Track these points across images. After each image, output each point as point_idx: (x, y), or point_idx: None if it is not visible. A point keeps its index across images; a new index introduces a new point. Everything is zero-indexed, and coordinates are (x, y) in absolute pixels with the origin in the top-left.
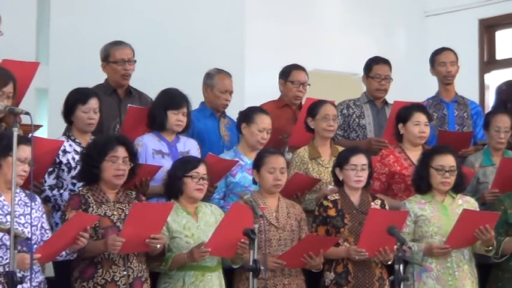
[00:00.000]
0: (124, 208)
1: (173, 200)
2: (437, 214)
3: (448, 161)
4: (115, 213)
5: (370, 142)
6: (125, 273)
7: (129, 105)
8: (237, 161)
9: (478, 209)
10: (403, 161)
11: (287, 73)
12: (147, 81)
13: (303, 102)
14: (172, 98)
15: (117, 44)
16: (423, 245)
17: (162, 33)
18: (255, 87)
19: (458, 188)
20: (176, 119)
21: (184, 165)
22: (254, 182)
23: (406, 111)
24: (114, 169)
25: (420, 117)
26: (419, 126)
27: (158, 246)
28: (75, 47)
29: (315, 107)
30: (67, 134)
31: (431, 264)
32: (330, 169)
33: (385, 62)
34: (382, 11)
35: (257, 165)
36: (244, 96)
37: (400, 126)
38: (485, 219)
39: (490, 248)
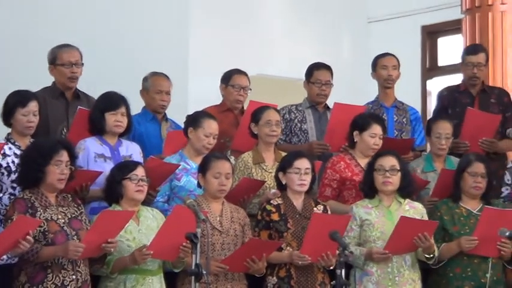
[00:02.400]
0: (66, 211)
1: (114, 204)
2: (382, 219)
3: (387, 161)
4: (59, 216)
5: (312, 146)
6: (74, 277)
7: (79, 107)
8: (179, 165)
9: (425, 215)
10: (353, 167)
11: (228, 77)
12: (90, 85)
13: (245, 107)
14: (109, 100)
15: (65, 46)
16: (365, 250)
17: (105, 38)
18: (199, 91)
19: (404, 191)
20: (114, 119)
21: (122, 169)
22: (199, 186)
23: (365, 121)
24: (59, 173)
25: (377, 129)
26: (375, 139)
27: (112, 250)
28: (18, 49)
29: (258, 112)
30: (7, 136)
31: (372, 268)
32: (274, 174)
33: (326, 67)
34: (326, 16)
35: (203, 169)
36: (188, 101)
37: (355, 133)
38: (423, 227)
39: (432, 255)
